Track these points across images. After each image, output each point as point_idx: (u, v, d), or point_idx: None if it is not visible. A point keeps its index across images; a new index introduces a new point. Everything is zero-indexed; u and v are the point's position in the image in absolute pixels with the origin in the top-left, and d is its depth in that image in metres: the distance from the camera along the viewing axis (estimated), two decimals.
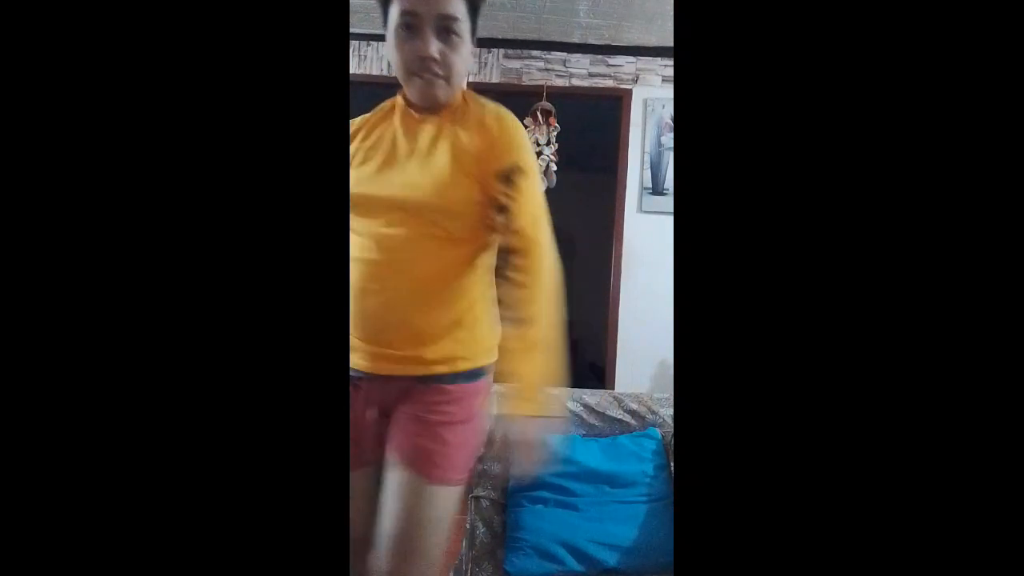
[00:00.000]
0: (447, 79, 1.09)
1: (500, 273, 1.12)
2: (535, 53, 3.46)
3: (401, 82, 1.11)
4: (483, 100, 1.14)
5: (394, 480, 1.07)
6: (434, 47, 1.05)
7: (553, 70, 3.47)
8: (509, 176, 1.07)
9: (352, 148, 1.14)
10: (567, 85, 3.47)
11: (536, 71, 3.46)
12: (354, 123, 1.18)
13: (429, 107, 1.11)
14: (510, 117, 1.11)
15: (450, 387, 1.09)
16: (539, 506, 1.83)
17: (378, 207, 1.06)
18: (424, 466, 1.07)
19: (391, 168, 1.09)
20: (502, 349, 1.09)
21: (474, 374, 1.11)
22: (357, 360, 1.09)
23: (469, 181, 1.06)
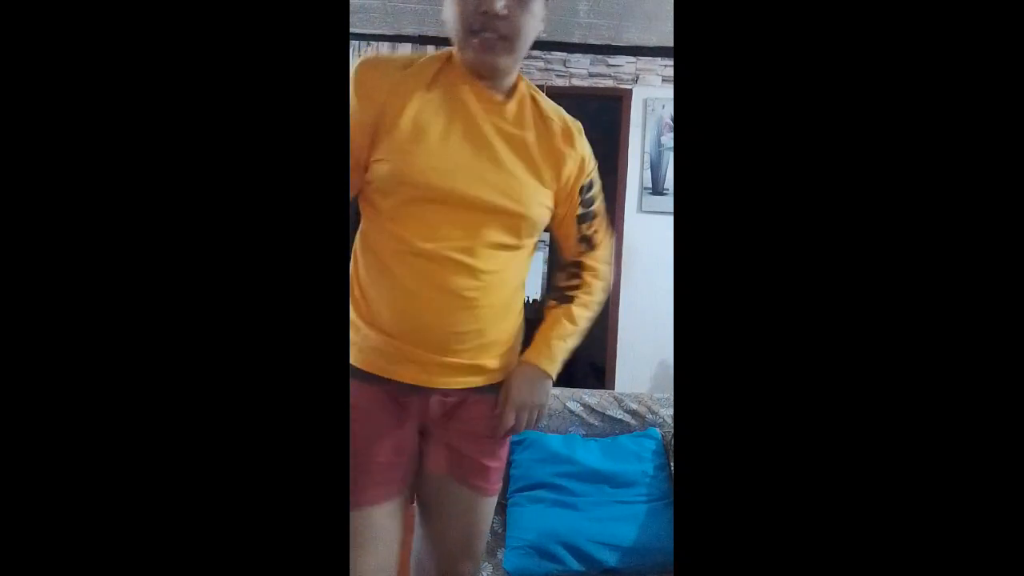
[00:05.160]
0: (510, 41, 0.94)
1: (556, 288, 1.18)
2: (535, 53, 3.46)
3: (456, 43, 0.96)
4: (549, 100, 1.08)
5: (448, 495, 1.07)
6: (501, 1, 0.90)
7: (553, 70, 3.47)
8: (587, 192, 1.09)
9: (412, 111, 0.94)
10: (567, 85, 3.46)
11: (536, 71, 3.45)
12: (404, 69, 0.97)
13: (484, 74, 0.97)
14: (580, 127, 1.11)
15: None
16: (539, 506, 1.83)
17: (454, 203, 0.93)
18: (482, 482, 1.07)
19: (467, 156, 0.95)
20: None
21: None
22: (410, 372, 0.97)
23: (547, 189, 1.02)
